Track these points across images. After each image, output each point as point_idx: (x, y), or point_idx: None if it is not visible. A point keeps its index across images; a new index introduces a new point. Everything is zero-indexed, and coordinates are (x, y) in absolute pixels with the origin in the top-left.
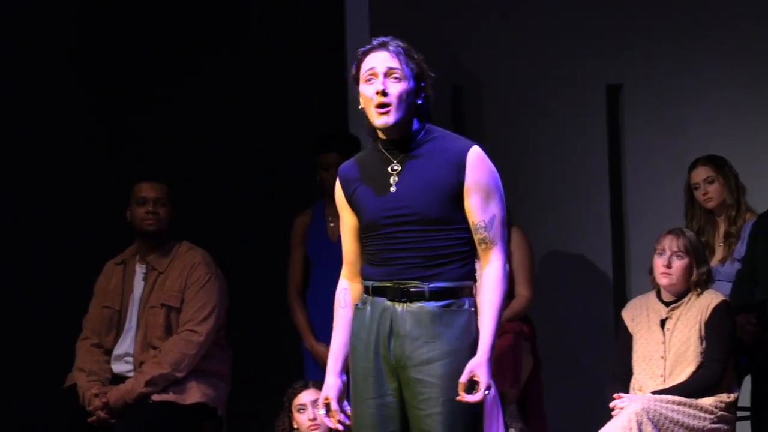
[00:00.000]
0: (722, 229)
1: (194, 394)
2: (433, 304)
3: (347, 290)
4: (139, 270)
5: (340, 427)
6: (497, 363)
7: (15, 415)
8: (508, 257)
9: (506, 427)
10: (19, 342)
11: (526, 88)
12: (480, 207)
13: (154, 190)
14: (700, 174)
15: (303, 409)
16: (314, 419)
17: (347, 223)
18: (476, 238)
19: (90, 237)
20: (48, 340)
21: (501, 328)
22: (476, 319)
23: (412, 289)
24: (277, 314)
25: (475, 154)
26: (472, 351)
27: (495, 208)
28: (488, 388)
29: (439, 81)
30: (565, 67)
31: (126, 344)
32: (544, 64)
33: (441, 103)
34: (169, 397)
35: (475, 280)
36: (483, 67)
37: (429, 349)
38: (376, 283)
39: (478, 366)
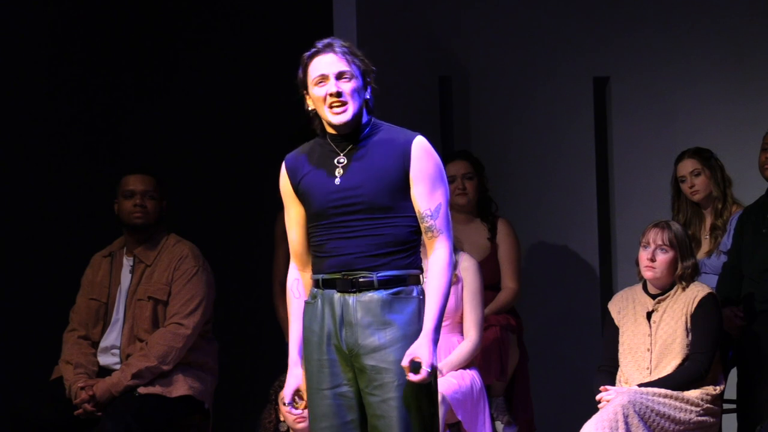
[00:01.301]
0: (708, 221)
1: (181, 387)
2: (382, 293)
3: (299, 280)
4: (127, 262)
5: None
6: (484, 356)
7: (0, 407)
8: (495, 249)
9: (493, 419)
10: (5, 334)
11: (513, 79)
12: (426, 196)
13: (142, 183)
14: (687, 167)
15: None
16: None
17: (293, 214)
18: (423, 226)
19: (78, 229)
20: (34, 331)
21: (487, 322)
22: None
23: (360, 279)
24: (264, 308)
25: (420, 144)
26: None
27: (441, 197)
28: (431, 366)
29: (427, 71)
30: (552, 58)
31: (113, 337)
32: (531, 56)
33: (429, 94)
34: (156, 390)
35: (421, 270)
36: (471, 58)
37: (380, 336)
38: (325, 276)
39: (418, 347)
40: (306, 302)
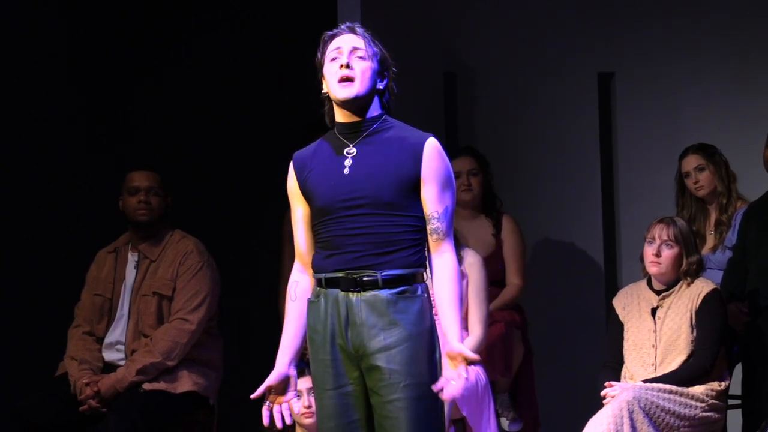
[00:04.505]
0: (713, 217)
1: (185, 383)
2: (386, 292)
3: (298, 283)
4: (131, 258)
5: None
6: (488, 352)
7: (5, 404)
8: (500, 245)
9: (498, 415)
10: (10, 330)
11: (518, 75)
12: (436, 198)
13: (147, 179)
14: (691, 162)
15: (298, 396)
16: (309, 406)
17: (299, 213)
18: (429, 228)
19: (83, 226)
20: (40, 328)
21: (492, 318)
22: (431, 306)
23: (364, 278)
24: (269, 304)
25: (433, 145)
26: (429, 336)
27: (448, 200)
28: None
29: (432, 68)
30: (556, 54)
31: (117, 332)
32: (536, 52)
33: (433, 91)
34: (161, 386)
35: (426, 267)
36: (475, 54)
37: (386, 336)
38: (329, 275)
39: (463, 350)
40: (309, 301)
